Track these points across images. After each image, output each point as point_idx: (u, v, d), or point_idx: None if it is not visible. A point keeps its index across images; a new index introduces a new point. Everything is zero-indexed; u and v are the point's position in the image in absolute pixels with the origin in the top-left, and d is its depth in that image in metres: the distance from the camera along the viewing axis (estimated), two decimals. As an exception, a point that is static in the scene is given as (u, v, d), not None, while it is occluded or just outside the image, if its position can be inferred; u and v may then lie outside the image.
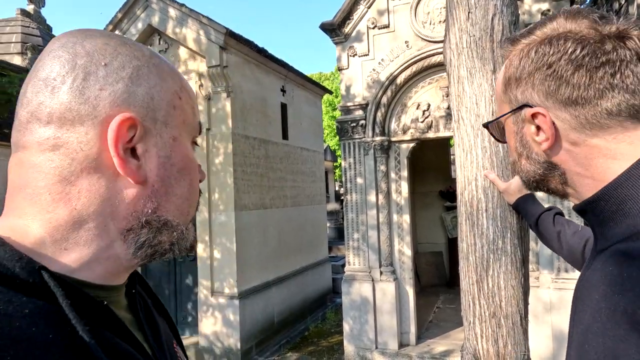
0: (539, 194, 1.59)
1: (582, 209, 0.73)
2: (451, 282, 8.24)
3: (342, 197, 17.97)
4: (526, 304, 1.70)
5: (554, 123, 0.70)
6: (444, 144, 8.51)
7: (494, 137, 0.92)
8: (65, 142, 0.51)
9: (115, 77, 0.54)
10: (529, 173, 0.78)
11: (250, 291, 5.91)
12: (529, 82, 0.73)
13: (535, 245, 4.50)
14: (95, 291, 0.53)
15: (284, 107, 7.31)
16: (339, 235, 14.47)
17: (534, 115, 0.71)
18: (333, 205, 16.15)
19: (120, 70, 0.55)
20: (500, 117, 0.82)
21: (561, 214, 1.44)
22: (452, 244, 8.25)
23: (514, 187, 1.55)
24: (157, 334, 0.65)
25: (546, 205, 1.52)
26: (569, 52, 0.67)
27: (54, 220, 0.52)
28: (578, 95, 0.67)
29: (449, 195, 8.22)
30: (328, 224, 13.86)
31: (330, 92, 9.16)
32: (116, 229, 0.55)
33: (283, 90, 7.31)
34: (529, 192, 1.54)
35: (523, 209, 1.54)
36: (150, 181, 0.56)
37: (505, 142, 0.87)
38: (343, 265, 10.30)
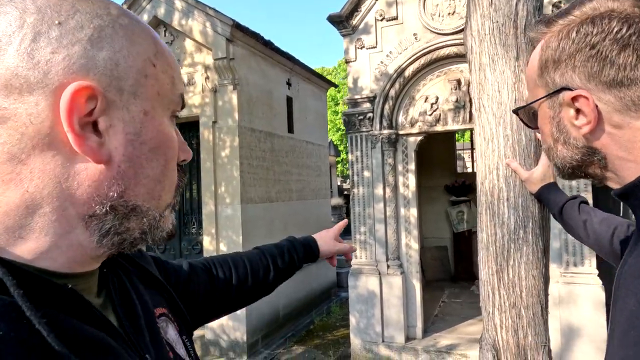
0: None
1: (624, 193, 0.70)
2: (456, 276, 8.24)
3: (345, 192, 17.97)
4: (546, 294, 1.68)
5: (596, 106, 0.68)
6: (450, 138, 8.47)
7: (524, 123, 0.90)
8: (13, 114, 0.44)
9: (71, 38, 0.46)
10: (566, 159, 0.75)
11: (256, 284, 5.91)
12: (569, 64, 0.70)
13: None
14: (60, 279, 0.48)
15: (289, 100, 7.28)
16: (343, 230, 14.44)
17: (574, 99, 0.69)
18: (336, 200, 16.13)
19: (78, 30, 0.47)
20: (535, 101, 0.79)
21: (586, 202, 1.42)
22: (457, 239, 8.25)
23: (537, 175, 1.52)
24: (132, 314, 0.60)
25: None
26: (614, 31, 0.65)
27: (3, 205, 0.45)
28: (624, 76, 0.65)
29: (455, 189, 8.20)
30: (332, 219, 13.86)
31: (336, 86, 9.12)
32: (77, 214, 0.48)
33: (289, 84, 7.28)
34: (551, 180, 1.52)
35: (546, 197, 1.52)
36: (115, 161, 0.49)
37: (536, 129, 0.85)
38: (347, 260, 10.29)
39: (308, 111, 8.05)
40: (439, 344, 5.04)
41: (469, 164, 13.32)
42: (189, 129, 6.31)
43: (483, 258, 1.75)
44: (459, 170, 9.60)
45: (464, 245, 8.20)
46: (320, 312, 7.50)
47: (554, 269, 4.49)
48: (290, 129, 7.27)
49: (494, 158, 1.66)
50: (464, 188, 8.14)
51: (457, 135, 8.80)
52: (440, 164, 8.28)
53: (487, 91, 1.64)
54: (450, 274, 8.28)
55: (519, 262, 1.63)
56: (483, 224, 1.75)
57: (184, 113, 5.93)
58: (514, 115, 1.50)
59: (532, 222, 1.61)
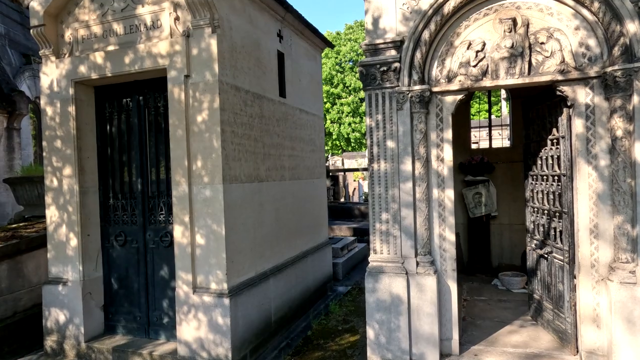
0: None
1: None
2: (470, 268, 7.21)
3: (331, 173, 16.73)
4: None
5: None
6: (464, 109, 7.30)
7: None
8: None
9: None
10: None
11: (243, 285, 4.65)
12: None
13: (631, 228, 3.37)
14: None
15: (280, 56, 5.92)
16: (331, 214, 13.29)
17: None
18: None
19: None
20: None
21: None
22: (473, 225, 7.16)
23: None
24: None
25: None
26: None
27: None
28: None
29: (471, 168, 7.08)
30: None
31: (332, 46, 7.77)
32: None
33: (280, 36, 5.90)
34: None
35: None
36: None
37: None
38: (342, 249, 9.15)
39: (302, 73, 6.71)
40: (484, 363, 3.93)
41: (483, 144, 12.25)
42: (154, 86, 4.89)
43: None
44: (473, 145, 8.48)
45: (481, 232, 7.13)
46: (318, 312, 6.32)
47: (646, 269, 3.39)
48: (282, 92, 5.93)
49: None
50: (482, 166, 7.02)
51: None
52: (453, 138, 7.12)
53: None
54: (462, 265, 7.21)
55: None
56: None
57: (146, 65, 4.51)
58: None
59: None
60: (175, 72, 4.46)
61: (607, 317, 3.56)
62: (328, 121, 31.77)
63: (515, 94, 6.93)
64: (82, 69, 4.83)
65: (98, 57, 4.75)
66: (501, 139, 18.08)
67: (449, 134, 4.04)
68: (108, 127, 5.23)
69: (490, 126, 8.03)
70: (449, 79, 3.99)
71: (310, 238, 6.78)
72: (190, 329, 4.46)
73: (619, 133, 3.44)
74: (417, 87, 3.94)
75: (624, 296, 3.39)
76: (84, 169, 5.03)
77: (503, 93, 20.66)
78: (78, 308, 4.92)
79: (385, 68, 4.00)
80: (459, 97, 3.99)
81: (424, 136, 3.99)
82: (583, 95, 3.65)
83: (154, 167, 5.02)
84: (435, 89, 4.00)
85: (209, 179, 4.41)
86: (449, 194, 4.04)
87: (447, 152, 4.05)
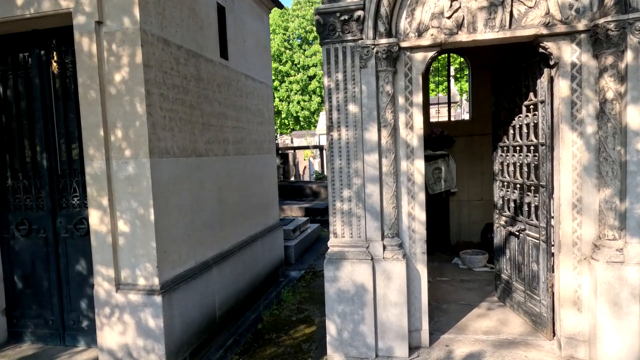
0: None
1: None
2: (429, 247, 6.88)
3: (281, 151, 15.99)
4: None
5: None
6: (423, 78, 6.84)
7: None
8: None
9: None
10: None
11: (179, 279, 3.92)
12: None
13: (619, 202, 3.03)
14: None
15: (221, 11, 5.06)
16: (282, 194, 12.63)
17: None
18: (272, 160, 14.13)
19: None
20: None
21: None
22: (432, 202, 6.81)
23: None
24: None
25: None
26: None
27: None
28: None
29: (430, 141, 6.68)
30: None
31: (281, 6, 6.96)
32: None
33: (220, -14, 5.04)
34: None
35: None
36: None
37: None
38: (294, 230, 8.54)
39: (247, 33, 5.88)
40: (458, 356, 3.51)
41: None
42: (60, 37, 3.92)
43: None
44: (433, 118, 8.08)
45: (440, 209, 6.80)
46: (269, 302, 5.71)
47: (635, 246, 3.08)
48: (224, 53, 5.11)
49: None
50: (442, 140, 6.65)
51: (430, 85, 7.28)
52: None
53: None
54: (421, 243, 6.87)
55: None
56: None
57: (44, 8, 3.55)
58: None
59: None
60: (83, 17, 3.53)
61: (589, 299, 3.25)
62: (277, 99, 30.76)
63: (479, 62, 6.56)
64: (-41, 11, 3.74)
65: (-21, -3, 3.69)
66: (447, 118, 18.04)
67: (419, 98, 3.50)
68: (1, 90, 4.18)
69: (449, 95, 7.67)
70: (420, 33, 3.41)
71: (260, 220, 6.10)
72: (114, 334, 3.69)
73: (609, 95, 3.05)
74: (384, 41, 3.33)
75: (610, 277, 3.07)
76: (-30, 142, 3.99)
77: (452, 71, 20.74)
78: (-31, 315, 3.96)
79: (346, 17, 3.34)
80: (431, 54, 3.44)
81: (390, 99, 3.41)
82: (569, 52, 3.22)
83: (64, 140, 4.09)
84: (403, 44, 3.42)
85: (132, 152, 3.58)
86: (419, 166, 3.52)
87: (417, 119, 3.51)
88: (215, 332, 4.55)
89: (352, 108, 3.42)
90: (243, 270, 5.33)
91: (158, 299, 3.59)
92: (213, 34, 4.82)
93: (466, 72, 6.44)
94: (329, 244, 3.57)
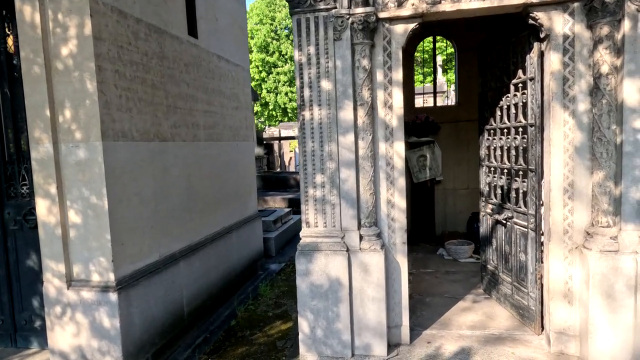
0: None
1: None
2: (413, 237, 6.65)
3: (265, 141, 15.64)
4: None
5: None
6: (406, 61, 6.55)
7: None
8: None
9: None
10: None
11: (140, 274, 3.59)
12: None
13: (613, 185, 2.78)
14: None
15: (189, -15, 4.69)
16: (265, 185, 12.31)
17: None
18: (256, 150, 13.77)
19: None
20: None
21: None
22: (417, 191, 6.56)
23: None
24: None
25: None
26: None
27: None
28: None
29: (415, 128, 6.41)
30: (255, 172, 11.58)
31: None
32: None
33: (187, -42, 4.66)
34: None
35: None
36: None
37: None
38: (275, 221, 8.23)
39: (220, 10, 5.51)
40: (441, 354, 3.26)
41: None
42: (6, 7, 3.53)
43: None
44: (418, 104, 7.76)
45: (425, 198, 6.55)
46: (245, 296, 5.41)
47: (630, 233, 2.84)
48: (193, 31, 4.74)
49: None
50: (427, 126, 6.38)
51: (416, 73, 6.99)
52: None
53: None
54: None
55: None
56: None
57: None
58: None
59: None
60: (24, -18, 3.15)
61: (581, 291, 3.01)
62: (264, 90, 30.26)
63: (466, 44, 6.28)
64: None
65: None
66: (433, 103, 17.82)
67: (398, 74, 3.20)
68: (-61, 67, 3.77)
69: (435, 79, 7.39)
70: (399, 3, 3.10)
71: (236, 210, 5.78)
72: (67, 335, 3.36)
73: (604, 69, 2.79)
74: (360, 10, 3.02)
75: (603, 267, 2.83)
76: None
77: (439, 59, 20.49)
78: None
79: (318, -17, 3.02)
80: (412, 25, 3.14)
81: (368, 75, 3.11)
82: (561, 23, 2.94)
83: (11, 122, 3.71)
84: (382, 15, 3.11)
85: (83, 134, 3.23)
86: (399, 149, 3.23)
87: (397, 97, 3.21)
88: (183, 330, 4.24)
89: (326, 85, 3.11)
90: (216, 263, 5.02)
91: (114, 296, 3.26)
92: (179, 8, 4.46)
93: (454, 64, 6.20)
94: (301, 234, 3.28)
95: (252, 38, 27.42)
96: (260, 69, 30.05)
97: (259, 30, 30.10)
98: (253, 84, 26.60)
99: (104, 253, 3.29)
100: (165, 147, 4.08)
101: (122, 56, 3.48)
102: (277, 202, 10.56)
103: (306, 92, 3.14)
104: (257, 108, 27.81)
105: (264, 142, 15.38)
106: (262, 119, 31.46)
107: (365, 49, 3.09)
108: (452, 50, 6.96)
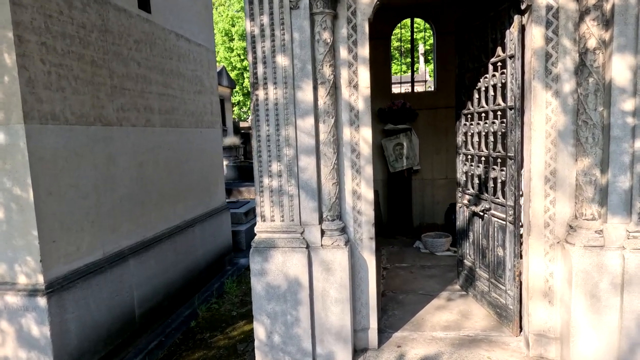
0: None
1: None
2: (390, 230, 6.37)
3: (243, 130, 15.18)
4: None
5: None
6: (382, 46, 6.20)
7: None
8: None
9: None
10: None
11: (77, 275, 3.19)
12: None
13: (599, 173, 2.50)
14: None
15: (140, -47, 4.23)
16: (240, 175, 11.89)
17: None
18: (231, 140, 13.31)
19: None
20: None
21: None
22: (393, 181, 6.26)
23: None
24: None
25: None
26: None
27: None
28: None
29: (392, 115, 6.08)
30: (225, 162, 11.15)
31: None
32: None
33: None
34: None
35: None
36: None
37: None
38: (247, 213, 7.85)
39: (178, -15, 5.05)
40: (410, 357, 2.97)
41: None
42: None
43: None
44: (394, 89, 7.44)
45: (402, 189, 6.26)
46: (209, 294, 5.05)
47: (616, 226, 2.57)
48: (145, 4, 4.29)
49: None
50: (404, 113, 6.06)
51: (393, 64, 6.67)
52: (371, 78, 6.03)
53: None
54: (382, 227, 6.33)
55: None
56: None
57: None
58: None
59: None
60: None
61: (563, 290, 2.74)
62: (247, 80, 29.56)
63: (446, 27, 5.96)
64: None
65: None
66: (411, 89, 17.60)
67: (365, 50, 2.84)
68: None
69: (412, 62, 7.07)
70: (366, -32, 2.74)
71: (199, 202, 5.39)
72: (-10, 345, 2.96)
73: (591, 43, 2.49)
74: (320, -26, 2.64)
75: (587, 264, 2.56)
76: None
77: (421, 48, 20.22)
78: None
79: (271, -58, 2.63)
80: (379, -5, 2.78)
81: (329, 50, 2.75)
82: (544, -8, 2.63)
83: None
84: (345, -19, 2.74)
85: (3, 116, 2.80)
86: (366, 134, 2.89)
87: (363, 76, 2.86)
88: (134, 335, 3.87)
89: (282, 60, 2.73)
90: (175, 260, 4.64)
91: (42, 300, 2.87)
92: (127, -22, 4.00)
93: (433, 47, 5.89)
94: (255, 229, 2.92)
95: (233, 26, 26.64)
96: (243, 57, 29.33)
97: (239, 18, 29.30)
98: (235, 72, 25.88)
99: (31, 252, 2.89)
100: (110, 133, 3.66)
101: (52, 27, 3.03)
102: (252, 194, 10.16)
103: (260, 69, 2.76)
104: (239, 97, 27.11)
105: (241, 131, 14.90)
106: (245, 109, 30.81)
107: (326, 19, 2.72)
108: (429, 26, 6.64)
